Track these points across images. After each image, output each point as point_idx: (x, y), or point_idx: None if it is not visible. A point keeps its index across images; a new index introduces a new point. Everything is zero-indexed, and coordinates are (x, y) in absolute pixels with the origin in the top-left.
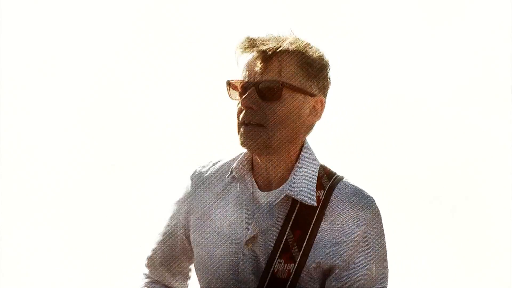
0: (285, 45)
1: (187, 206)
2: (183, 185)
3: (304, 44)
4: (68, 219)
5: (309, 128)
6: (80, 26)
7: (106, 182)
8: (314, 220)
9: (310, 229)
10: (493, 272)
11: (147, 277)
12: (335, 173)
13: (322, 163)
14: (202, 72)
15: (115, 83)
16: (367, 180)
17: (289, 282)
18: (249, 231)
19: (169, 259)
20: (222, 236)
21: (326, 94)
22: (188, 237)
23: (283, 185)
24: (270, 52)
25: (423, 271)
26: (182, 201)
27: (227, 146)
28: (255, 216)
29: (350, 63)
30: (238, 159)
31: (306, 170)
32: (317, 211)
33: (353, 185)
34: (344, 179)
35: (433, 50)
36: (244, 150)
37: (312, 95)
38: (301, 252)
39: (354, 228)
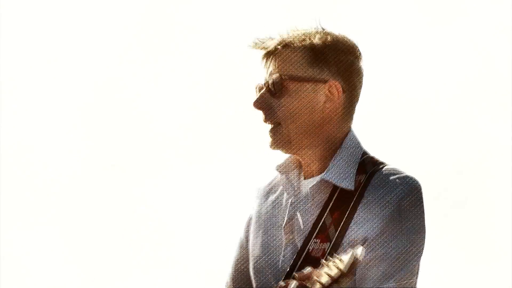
0: (284, 39)
1: (249, 217)
2: (250, 197)
3: (304, 33)
4: (68, 219)
5: (336, 115)
6: (80, 26)
7: (105, 182)
8: (353, 202)
9: (348, 210)
10: (495, 270)
11: None
12: (383, 162)
13: (371, 154)
14: (202, 72)
15: (115, 83)
16: None
17: (323, 260)
18: (286, 215)
19: (244, 277)
20: (267, 233)
21: (346, 77)
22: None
23: (326, 170)
24: (269, 51)
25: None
26: (246, 220)
27: (230, 146)
28: (292, 201)
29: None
30: (284, 159)
31: (346, 156)
32: (357, 194)
33: (396, 170)
34: (387, 165)
35: (434, 49)
36: None
37: (324, 81)
38: (338, 232)
39: (388, 202)
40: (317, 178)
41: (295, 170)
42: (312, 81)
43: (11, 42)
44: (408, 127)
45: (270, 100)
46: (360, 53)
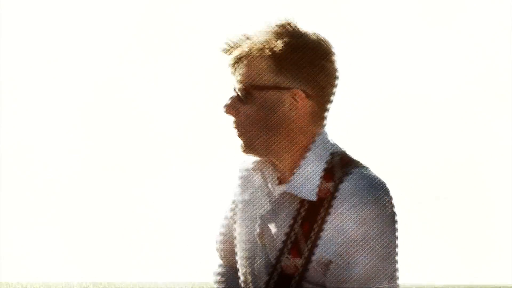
0: (250, 46)
1: (233, 201)
2: (233, 177)
3: (270, 37)
4: (68, 218)
5: (301, 121)
6: (80, 26)
7: (105, 181)
8: (320, 213)
9: (317, 223)
10: (494, 267)
11: (220, 263)
12: (353, 163)
13: (345, 153)
14: (202, 72)
15: (115, 83)
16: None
17: (296, 277)
18: (260, 227)
19: (229, 250)
20: (245, 231)
21: (312, 81)
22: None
23: (291, 177)
24: (236, 58)
25: (428, 264)
26: (230, 195)
27: (230, 146)
28: (263, 211)
29: (353, 63)
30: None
31: (311, 165)
32: (324, 205)
33: (362, 177)
34: (358, 168)
35: (434, 49)
36: None
37: (288, 89)
38: (308, 247)
39: (354, 229)
40: (285, 186)
41: (270, 168)
42: (276, 89)
43: (11, 42)
44: (412, 125)
45: (238, 106)
46: (331, 52)
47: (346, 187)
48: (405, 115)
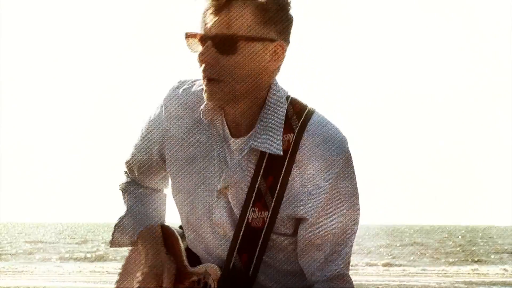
0: None
1: (161, 130)
2: (160, 104)
3: None
4: (68, 218)
5: (274, 72)
6: (80, 26)
7: (105, 181)
8: (285, 166)
9: (281, 176)
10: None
11: (127, 176)
12: (305, 108)
13: (293, 97)
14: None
15: (115, 83)
16: (369, 176)
17: (264, 230)
18: (221, 181)
19: (145, 167)
20: (195, 179)
21: (287, 36)
22: (163, 159)
23: (250, 133)
24: (221, 3)
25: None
26: (156, 123)
27: None
28: (228, 163)
29: (349, 63)
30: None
31: (272, 116)
32: (288, 157)
33: (323, 126)
34: (313, 115)
35: (433, 51)
36: None
37: (271, 41)
38: (274, 200)
39: (324, 179)
40: (245, 140)
41: (219, 116)
42: (261, 40)
43: (11, 42)
44: (411, 122)
45: (215, 55)
46: (291, 4)
47: (309, 139)
48: (405, 112)
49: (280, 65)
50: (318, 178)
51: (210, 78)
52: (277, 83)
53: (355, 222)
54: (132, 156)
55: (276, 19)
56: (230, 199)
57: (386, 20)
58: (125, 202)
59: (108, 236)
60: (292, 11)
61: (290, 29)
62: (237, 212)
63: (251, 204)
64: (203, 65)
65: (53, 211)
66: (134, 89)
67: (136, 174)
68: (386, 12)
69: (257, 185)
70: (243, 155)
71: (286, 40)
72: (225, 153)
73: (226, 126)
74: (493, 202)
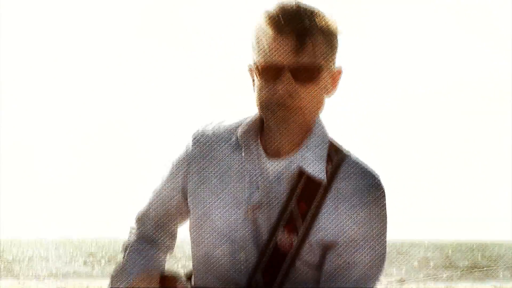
0: (317, 23)
1: (186, 168)
2: (184, 145)
3: (327, 18)
4: (68, 218)
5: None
6: (80, 26)
7: (105, 182)
8: (320, 193)
9: (315, 202)
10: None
11: (135, 233)
12: (341, 148)
13: (332, 139)
14: (200, 74)
15: (115, 83)
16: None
17: (291, 254)
18: (253, 199)
19: (161, 216)
20: (223, 203)
21: (337, 61)
22: (185, 199)
23: (294, 154)
24: (304, 33)
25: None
26: (181, 162)
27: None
28: (260, 184)
29: (347, 66)
30: (244, 125)
31: (318, 142)
32: (323, 185)
33: (359, 163)
34: (351, 155)
35: (432, 51)
36: (250, 114)
37: (333, 68)
38: (305, 224)
39: (357, 211)
40: (284, 162)
41: (255, 140)
42: (329, 68)
43: (11, 42)
44: (415, 124)
45: (294, 85)
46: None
47: (346, 172)
48: (409, 113)
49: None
50: (352, 209)
51: (288, 106)
52: (319, 117)
53: (382, 260)
54: (148, 207)
55: (336, 49)
56: (260, 220)
57: (386, 23)
58: (124, 256)
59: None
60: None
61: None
62: (264, 233)
63: (281, 226)
64: (278, 94)
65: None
66: (133, 89)
67: (149, 224)
68: (388, 12)
69: (289, 208)
70: (289, 174)
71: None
72: (257, 176)
73: (262, 149)
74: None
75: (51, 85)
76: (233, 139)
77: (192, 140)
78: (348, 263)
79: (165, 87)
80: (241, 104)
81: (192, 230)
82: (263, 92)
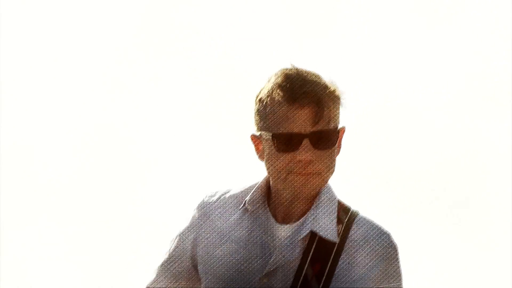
0: (327, 89)
1: (194, 236)
2: (189, 215)
3: (331, 81)
4: (68, 218)
5: None
6: (80, 26)
7: (105, 182)
8: (333, 253)
9: (329, 263)
10: (493, 270)
11: None
12: (349, 208)
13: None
14: (202, 73)
15: (115, 83)
16: (365, 182)
17: None
18: (268, 266)
19: (172, 285)
20: (236, 272)
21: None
22: (195, 267)
23: (304, 218)
24: (320, 101)
25: (425, 268)
26: (188, 231)
27: (231, 146)
28: (273, 250)
29: (347, 66)
30: (252, 192)
31: (327, 203)
32: (336, 246)
33: (370, 221)
34: (360, 214)
35: (432, 51)
36: (257, 181)
37: (340, 127)
38: (320, 286)
39: (373, 265)
40: (296, 225)
41: (263, 206)
42: (338, 130)
43: (11, 42)
44: (408, 129)
45: (314, 151)
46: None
47: (357, 231)
48: (405, 115)
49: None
50: (367, 267)
51: (307, 174)
52: None
53: None
54: (157, 278)
55: (340, 107)
56: (274, 284)
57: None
58: None
59: None
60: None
61: None
62: None
63: None
64: (298, 163)
65: None
66: (133, 89)
67: (166, 274)
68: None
69: (304, 271)
70: (301, 237)
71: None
72: (269, 242)
73: (271, 215)
74: None
75: (51, 85)
76: (241, 207)
77: (198, 210)
78: None
79: (165, 87)
80: (241, 104)
81: None
82: (280, 162)
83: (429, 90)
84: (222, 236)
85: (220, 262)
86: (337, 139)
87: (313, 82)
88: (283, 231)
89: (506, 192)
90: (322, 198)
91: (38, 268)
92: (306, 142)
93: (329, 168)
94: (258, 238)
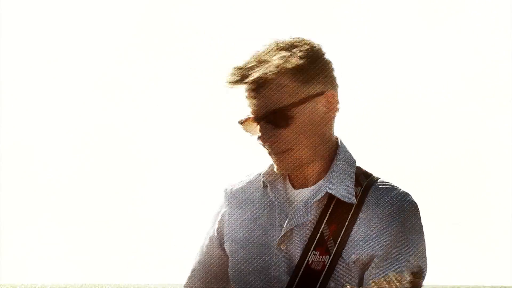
0: (272, 67)
1: (220, 218)
2: (216, 201)
3: (284, 52)
4: (68, 219)
5: (332, 120)
6: (80, 26)
7: (105, 182)
8: (350, 215)
9: (346, 223)
10: (493, 269)
11: None
12: (371, 174)
13: (358, 165)
14: (202, 73)
15: (115, 83)
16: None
17: (323, 274)
18: (284, 228)
19: (208, 281)
20: (254, 238)
21: (333, 81)
22: (224, 250)
23: (321, 181)
24: (256, 85)
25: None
26: (215, 216)
27: (230, 146)
28: (289, 213)
29: (352, 63)
30: (268, 166)
31: (344, 167)
32: (354, 207)
33: (389, 184)
34: (379, 178)
35: (435, 49)
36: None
37: (320, 94)
38: (337, 245)
39: (392, 221)
40: (312, 189)
41: (279, 178)
42: (311, 99)
43: (12, 42)
44: (411, 125)
45: (274, 131)
46: (322, 48)
47: (376, 191)
48: (405, 115)
49: (335, 115)
50: (385, 224)
51: (279, 152)
52: (342, 142)
53: (425, 264)
54: (193, 273)
55: (317, 71)
56: (291, 246)
57: (382, 20)
58: None
59: None
60: (327, 55)
61: (333, 72)
62: (297, 258)
63: (312, 248)
64: (267, 145)
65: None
66: (133, 89)
67: (200, 269)
68: (383, 12)
69: (320, 231)
70: (313, 200)
71: (334, 86)
72: (286, 208)
73: (288, 182)
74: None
75: (51, 85)
76: (261, 182)
77: (224, 194)
78: (387, 254)
79: (165, 87)
80: (241, 104)
81: (230, 268)
82: (261, 145)
83: (428, 90)
84: (244, 210)
85: (242, 232)
86: (297, 112)
87: (263, 60)
88: (300, 195)
89: (506, 192)
90: (338, 160)
91: (38, 267)
92: (263, 123)
93: (301, 141)
94: (277, 206)
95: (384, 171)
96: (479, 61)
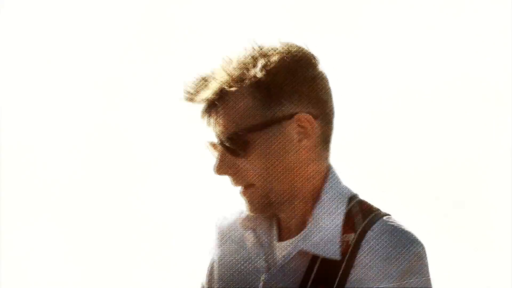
0: (222, 83)
1: (210, 270)
2: (210, 236)
3: (242, 65)
4: (68, 219)
5: (311, 151)
6: (80, 26)
7: (105, 182)
8: (341, 271)
9: (336, 282)
10: (495, 268)
11: None
12: (375, 210)
13: (362, 199)
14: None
15: (116, 83)
16: (368, 178)
17: None
18: (263, 285)
19: None
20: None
21: (313, 98)
22: None
23: (297, 236)
24: (209, 105)
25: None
26: (208, 256)
27: None
28: (271, 269)
29: (346, 62)
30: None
31: (328, 214)
32: (345, 262)
33: (393, 225)
34: (385, 217)
35: (432, 51)
36: None
37: (290, 116)
38: None
39: (392, 268)
40: (293, 241)
41: (263, 222)
42: (276, 122)
43: (11, 42)
44: (411, 125)
45: (233, 161)
46: (312, 58)
47: (372, 240)
48: (406, 114)
49: (320, 140)
50: (384, 269)
51: (241, 187)
52: (335, 175)
53: None
54: None
55: (287, 89)
56: None
57: (382, 18)
58: None
59: None
60: (312, 70)
61: (318, 90)
62: None
63: None
64: (229, 177)
65: None
66: (134, 89)
67: None
68: (383, 10)
69: None
70: (288, 259)
71: (314, 107)
72: (269, 262)
73: (275, 230)
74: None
75: (51, 85)
76: (247, 226)
77: (215, 229)
78: None
79: (165, 87)
80: None
81: None
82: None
83: (429, 90)
84: (230, 249)
85: (225, 272)
86: (257, 138)
87: (211, 77)
88: (280, 249)
89: (506, 192)
90: (322, 205)
91: (38, 268)
92: (221, 151)
93: (266, 175)
94: (258, 258)
95: (383, 171)
96: (479, 61)
